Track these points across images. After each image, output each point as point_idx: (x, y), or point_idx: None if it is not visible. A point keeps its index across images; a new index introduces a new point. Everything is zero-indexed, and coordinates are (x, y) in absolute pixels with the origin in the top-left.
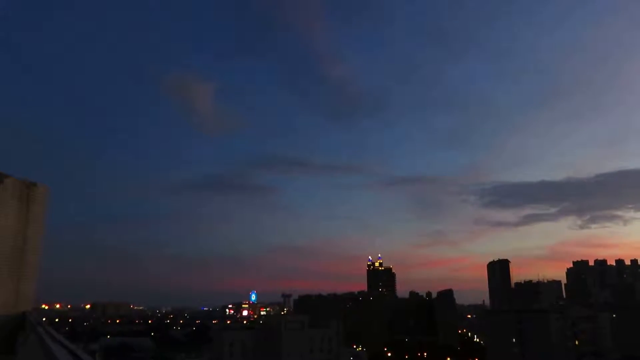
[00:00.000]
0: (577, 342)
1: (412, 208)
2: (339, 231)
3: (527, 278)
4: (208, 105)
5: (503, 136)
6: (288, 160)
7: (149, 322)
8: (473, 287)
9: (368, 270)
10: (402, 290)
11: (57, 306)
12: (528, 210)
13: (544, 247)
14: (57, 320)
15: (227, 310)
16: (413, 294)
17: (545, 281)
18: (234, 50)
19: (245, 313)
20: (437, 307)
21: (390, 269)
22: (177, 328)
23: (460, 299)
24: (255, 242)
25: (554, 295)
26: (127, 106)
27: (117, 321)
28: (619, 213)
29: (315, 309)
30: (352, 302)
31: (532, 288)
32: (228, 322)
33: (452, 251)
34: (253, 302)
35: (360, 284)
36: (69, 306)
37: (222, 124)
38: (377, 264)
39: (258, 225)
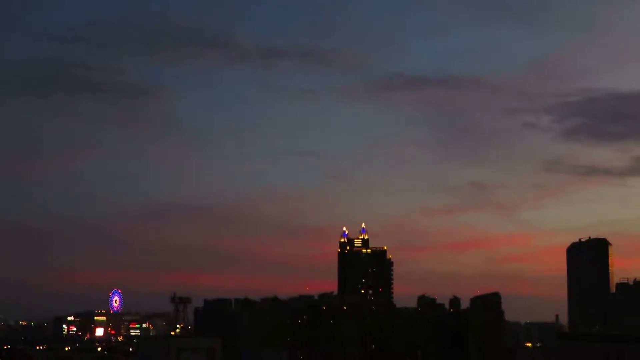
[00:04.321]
0: None
1: (426, 137)
2: (284, 178)
3: None
4: None
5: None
6: (186, 37)
7: None
8: (539, 291)
9: (341, 254)
10: (403, 291)
11: None
12: None
13: None
14: None
15: (64, 326)
16: (425, 301)
17: None
18: None
19: (100, 332)
20: (472, 325)
21: (384, 251)
22: None
23: (512, 312)
24: (118, 195)
25: None
26: None
27: None
28: None
29: (234, 326)
30: (309, 313)
31: None
32: (67, 348)
33: (500, 222)
34: (116, 312)
35: (325, 280)
36: None
37: None
38: (358, 243)
39: (123, 161)
